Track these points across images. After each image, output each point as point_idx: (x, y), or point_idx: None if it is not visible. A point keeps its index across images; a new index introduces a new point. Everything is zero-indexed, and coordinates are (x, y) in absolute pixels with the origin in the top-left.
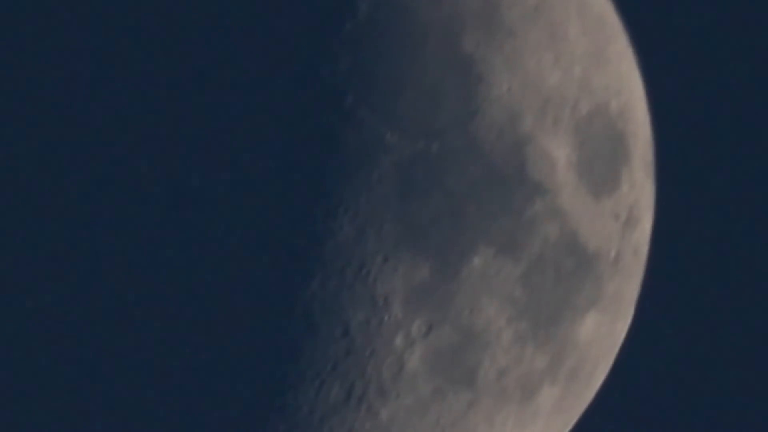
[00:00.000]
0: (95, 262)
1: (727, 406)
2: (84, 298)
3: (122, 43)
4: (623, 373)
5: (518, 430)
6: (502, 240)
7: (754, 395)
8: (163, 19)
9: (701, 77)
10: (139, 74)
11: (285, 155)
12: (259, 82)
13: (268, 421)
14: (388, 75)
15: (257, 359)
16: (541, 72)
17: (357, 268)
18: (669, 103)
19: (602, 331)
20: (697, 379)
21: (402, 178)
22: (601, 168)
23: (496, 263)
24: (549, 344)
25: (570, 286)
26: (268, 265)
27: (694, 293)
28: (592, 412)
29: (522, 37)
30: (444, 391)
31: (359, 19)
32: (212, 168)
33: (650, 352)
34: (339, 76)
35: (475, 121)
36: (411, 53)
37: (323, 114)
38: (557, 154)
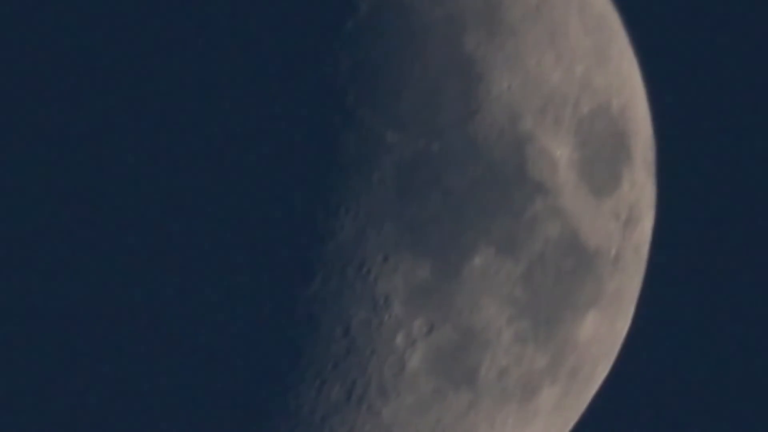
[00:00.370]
0: (95, 262)
1: (727, 406)
2: (84, 298)
3: (123, 42)
4: (623, 373)
5: (519, 430)
6: (503, 239)
7: (754, 395)
8: (165, 18)
9: (702, 76)
10: (141, 74)
11: (286, 155)
12: (260, 82)
13: (269, 420)
14: (389, 74)
15: (258, 359)
16: (541, 71)
17: (358, 268)
18: (670, 102)
19: (602, 331)
20: (697, 378)
21: (402, 177)
22: (602, 167)
23: (496, 262)
24: (549, 343)
25: (570, 286)
26: (269, 265)
27: (695, 293)
28: (593, 412)
29: (523, 36)
30: (445, 390)
31: (360, 19)
32: (213, 167)
33: (651, 351)
34: (340, 76)
35: (476, 120)
36: (412, 53)
37: (324, 114)
38: (558, 154)
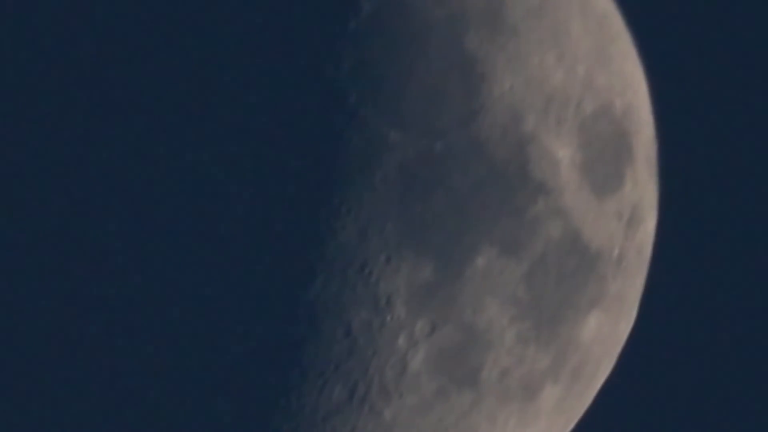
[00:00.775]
0: (96, 263)
1: (729, 406)
2: (84, 298)
3: (125, 42)
4: (626, 373)
5: (521, 430)
6: (505, 239)
7: (756, 395)
8: (168, 18)
9: (705, 76)
10: (142, 73)
11: (288, 154)
12: (263, 82)
13: (271, 421)
14: (392, 74)
15: (260, 359)
16: (544, 71)
17: (359, 268)
18: (672, 102)
19: (605, 331)
20: (699, 378)
21: (405, 177)
22: (605, 167)
23: (499, 263)
24: (552, 344)
25: (573, 286)
26: (271, 265)
27: (697, 293)
28: (595, 412)
29: (525, 36)
30: (447, 390)
31: (362, 19)
32: (215, 167)
33: (653, 351)
34: (342, 76)
35: (479, 120)
36: (414, 52)
37: (326, 113)
38: (560, 154)
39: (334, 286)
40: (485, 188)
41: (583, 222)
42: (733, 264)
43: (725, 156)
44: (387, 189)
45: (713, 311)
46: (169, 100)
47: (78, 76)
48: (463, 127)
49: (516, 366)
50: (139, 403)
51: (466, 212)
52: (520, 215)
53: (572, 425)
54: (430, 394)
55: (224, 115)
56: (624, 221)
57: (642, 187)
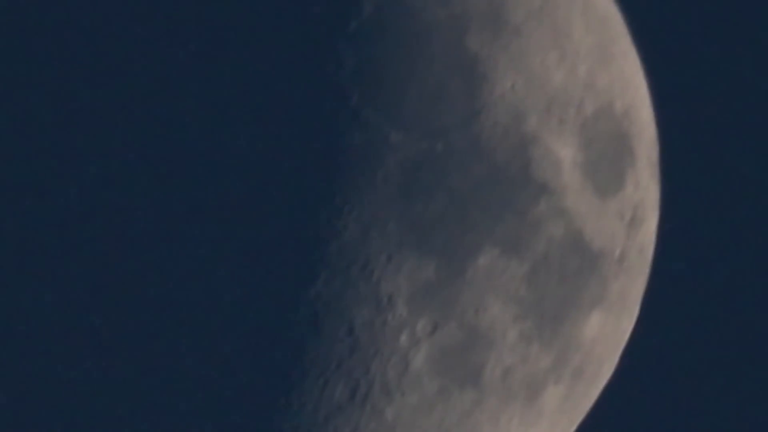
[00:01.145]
0: (97, 263)
1: (731, 405)
2: (85, 298)
3: (128, 42)
4: (628, 373)
5: (523, 429)
6: (507, 239)
7: (758, 395)
8: (170, 18)
9: (705, 77)
10: (143, 73)
11: (290, 154)
12: (264, 82)
13: (272, 420)
14: (393, 74)
15: (261, 358)
16: (545, 71)
17: (361, 267)
18: (673, 103)
19: (607, 331)
20: (701, 378)
21: (406, 177)
22: (606, 168)
23: (501, 262)
24: (554, 343)
25: (575, 286)
26: (273, 264)
27: (699, 293)
28: (597, 412)
29: (527, 36)
30: (449, 390)
31: (364, 19)
32: (216, 167)
33: (655, 351)
34: (344, 76)
35: (480, 120)
36: (416, 53)
37: (328, 113)
38: (562, 154)
39: (336, 285)
40: (487, 188)
41: (585, 222)
42: (734, 264)
43: (726, 156)
44: (389, 188)
45: (715, 311)
46: (171, 100)
47: (78, 76)
48: (465, 127)
49: (518, 365)
50: (140, 403)
51: (467, 212)
52: (522, 215)
53: (575, 425)
54: (432, 393)
55: (226, 115)
56: (626, 221)
57: (643, 188)
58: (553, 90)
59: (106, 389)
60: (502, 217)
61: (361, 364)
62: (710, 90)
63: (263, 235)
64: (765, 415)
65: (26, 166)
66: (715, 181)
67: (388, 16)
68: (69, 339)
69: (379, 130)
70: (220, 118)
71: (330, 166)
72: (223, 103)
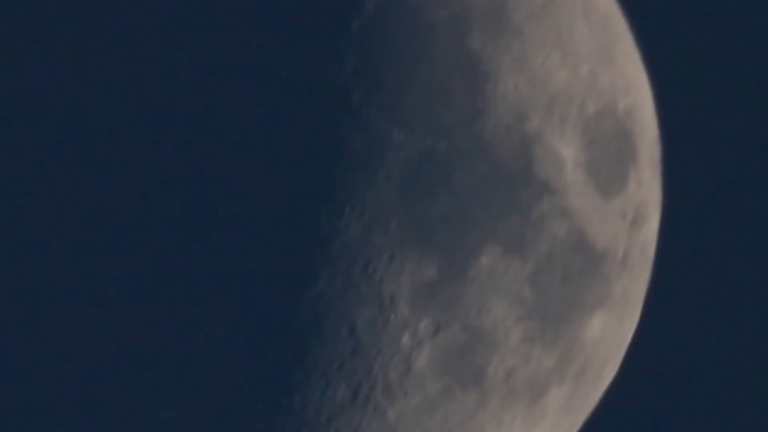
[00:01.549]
0: (99, 265)
1: (733, 406)
2: (86, 300)
3: (129, 40)
4: (631, 373)
5: (526, 430)
6: (510, 239)
7: (760, 396)
8: (171, 18)
9: (708, 77)
10: (143, 72)
11: (291, 154)
12: (266, 81)
13: (274, 421)
14: (395, 74)
15: (263, 359)
16: (548, 71)
17: (363, 267)
18: (676, 102)
19: (610, 331)
20: (704, 378)
21: (408, 176)
22: (609, 167)
23: (503, 262)
24: (557, 344)
25: (578, 286)
26: (274, 264)
27: (702, 293)
28: (600, 412)
29: (529, 36)
30: (452, 390)
31: (366, 18)
32: (218, 167)
33: (658, 351)
34: (346, 75)
35: (482, 119)
36: (418, 52)
37: (330, 112)
38: (564, 154)
39: (337, 284)
40: (489, 187)
41: (587, 222)
42: (736, 264)
43: (728, 156)
44: (390, 188)
45: (717, 311)
46: (172, 100)
47: (80, 74)
48: (467, 127)
49: (521, 366)
50: (142, 403)
51: (469, 211)
52: (525, 215)
53: (578, 426)
54: (434, 394)
55: (226, 115)
56: (628, 221)
57: (646, 187)
58: (555, 89)
59: (107, 390)
60: (505, 217)
61: (363, 365)
62: (712, 89)
63: (264, 235)
64: (766, 416)
65: (26, 166)
66: (717, 180)
67: (389, 15)
68: (70, 340)
69: (381, 129)
70: (221, 117)
71: (331, 165)
72: (223, 102)
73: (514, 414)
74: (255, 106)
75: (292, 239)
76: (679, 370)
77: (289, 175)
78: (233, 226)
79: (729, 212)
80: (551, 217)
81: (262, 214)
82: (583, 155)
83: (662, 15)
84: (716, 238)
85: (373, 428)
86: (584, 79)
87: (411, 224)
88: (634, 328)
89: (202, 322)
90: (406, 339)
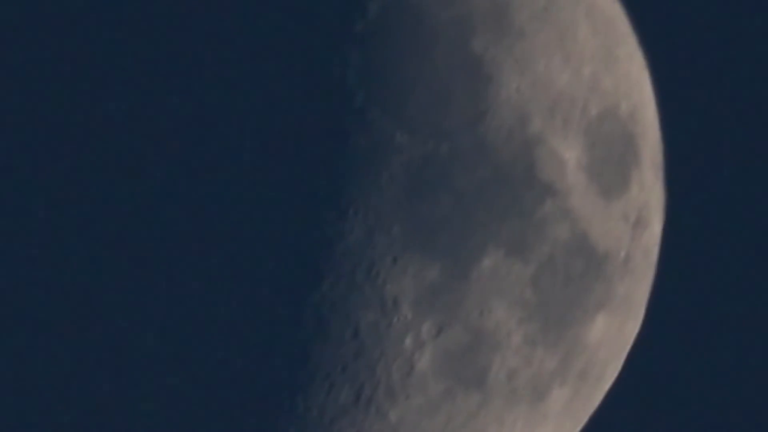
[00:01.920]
0: (103, 270)
1: (736, 407)
2: (89, 301)
3: (135, 41)
4: (633, 376)
5: (528, 431)
6: (512, 241)
7: (762, 397)
8: (175, 20)
9: (710, 79)
10: (148, 73)
11: (295, 155)
12: (269, 83)
13: (277, 423)
14: (398, 76)
15: (267, 361)
16: (550, 73)
17: (366, 270)
18: (678, 104)
19: (612, 333)
20: (706, 380)
21: (411, 178)
22: (611, 169)
23: (506, 264)
24: (559, 345)
25: (580, 288)
26: (278, 267)
27: (704, 295)
28: (602, 414)
29: (531, 38)
30: (454, 392)
31: (369, 20)
32: (221, 168)
33: (660, 353)
34: (349, 77)
35: (485, 121)
36: (421, 54)
37: (333, 114)
38: (567, 156)
39: (341, 287)
40: (492, 190)
41: (590, 224)
42: (739, 266)
43: (731, 158)
44: (394, 190)
45: (720, 313)
46: (176, 101)
47: (81, 74)
48: (470, 129)
49: (523, 367)
50: (144, 404)
51: (472, 214)
52: (527, 217)
53: (580, 427)
54: (436, 395)
55: (230, 117)
56: (631, 223)
57: (648, 189)
58: (557, 92)
59: (109, 392)
60: (507, 219)
61: (366, 367)
62: (715, 92)
63: (268, 238)
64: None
65: (26, 166)
66: (719, 182)
67: (393, 17)
68: (71, 341)
69: (385, 131)
70: (223, 118)
71: (335, 168)
72: (226, 103)
73: (516, 415)
74: (258, 107)
75: (295, 242)
76: (681, 372)
77: (293, 177)
78: (236, 229)
79: (732, 214)
80: (553, 219)
81: (266, 217)
82: (585, 157)
83: (665, 17)
84: (719, 240)
85: (375, 430)
86: (587, 81)
87: (414, 226)
88: (637, 330)
89: (205, 325)
90: (408, 341)
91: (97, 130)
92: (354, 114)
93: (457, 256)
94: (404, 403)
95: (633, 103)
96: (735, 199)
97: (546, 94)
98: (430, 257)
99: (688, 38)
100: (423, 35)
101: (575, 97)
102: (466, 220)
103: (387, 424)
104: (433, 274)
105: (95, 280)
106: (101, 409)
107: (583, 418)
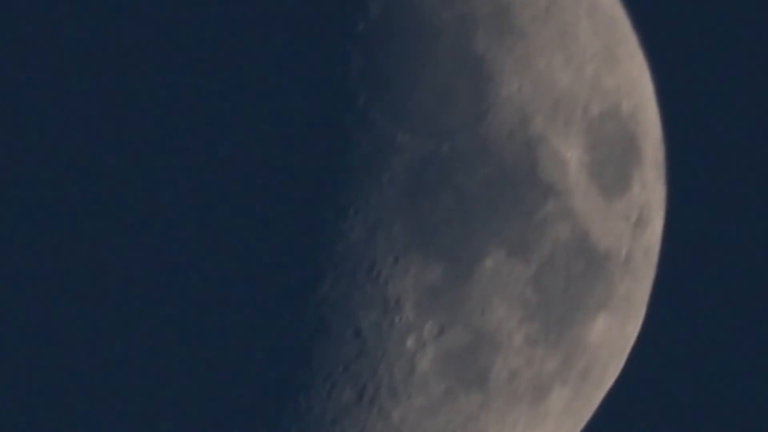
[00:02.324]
0: (104, 266)
1: (736, 407)
2: (90, 302)
3: (135, 41)
4: (634, 375)
5: (529, 431)
6: (514, 241)
7: (762, 397)
8: (177, 20)
9: (712, 78)
10: (149, 74)
11: (296, 155)
12: (271, 83)
13: (279, 422)
14: (400, 76)
15: (269, 361)
16: (552, 73)
17: (368, 270)
18: (679, 104)
19: (613, 332)
20: (707, 380)
21: (413, 178)
22: (612, 169)
23: (507, 264)
24: (560, 345)
25: (581, 287)
26: (279, 267)
27: (705, 294)
28: (603, 414)
29: (533, 37)
30: (455, 392)
31: (371, 20)
32: (222, 168)
33: (661, 353)
34: (350, 77)
35: (486, 121)
36: (422, 54)
37: (335, 115)
38: (568, 155)
39: (342, 287)
40: (493, 189)
41: (591, 223)
42: (740, 265)
43: (732, 157)
44: (395, 190)
45: (721, 313)
46: (179, 101)
47: (83, 74)
48: (471, 129)
49: (525, 367)
50: (146, 403)
51: (474, 213)
52: (529, 217)
53: (581, 427)
54: (438, 395)
55: (232, 116)
56: (632, 222)
57: (649, 189)
58: (559, 91)
59: (109, 392)
60: (509, 219)
61: (368, 367)
62: (717, 91)
63: (270, 237)
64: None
65: (24, 166)
66: (721, 182)
67: (395, 17)
68: (72, 342)
69: (386, 131)
70: (226, 118)
71: (336, 168)
72: (229, 103)
73: (518, 415)
74: (260, 107)
75: (297, 242)
76: (683, 371)
77: (294, 177)
78: (238, 228)
79: (733, 213)
80: (555, 219)
81: (267, 217)
82: (587, 157)
83: (667, 16)
84: (720, 240)
85: (377, 429)
86: (588, 80)
87: (415, 226)
88: (638, 329)
89: (207, 324)
90: (410, 341)
91: (98, 131)
92: (355, 113)
93: (459, 256)
94: (406, 402)
95: (634, 102)
96: (736, 198)
97: (547, 94)
98: (431, 257)
99: (688, 38)
100: (424, 35)
101: (577, 97)
102: (467, 220)
103: (390, 424)
104: (434, 274)
105: (95, 280)
106: (101, 409)
107: (584, 418)
